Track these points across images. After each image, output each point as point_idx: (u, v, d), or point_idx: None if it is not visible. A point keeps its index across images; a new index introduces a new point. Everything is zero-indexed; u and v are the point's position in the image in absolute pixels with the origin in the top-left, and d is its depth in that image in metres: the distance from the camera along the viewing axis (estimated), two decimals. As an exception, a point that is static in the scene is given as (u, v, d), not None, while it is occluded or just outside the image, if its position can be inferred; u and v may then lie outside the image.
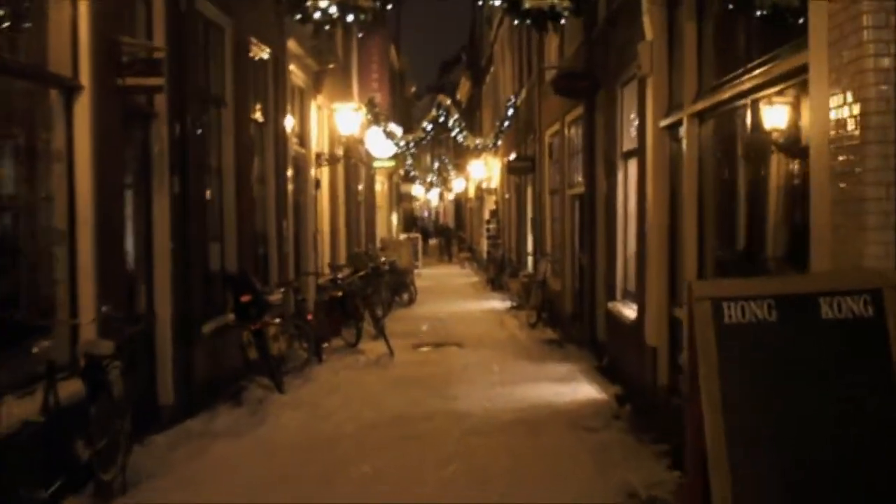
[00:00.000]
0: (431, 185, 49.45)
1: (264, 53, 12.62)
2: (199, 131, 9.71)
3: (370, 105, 21.94)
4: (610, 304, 10.89)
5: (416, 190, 49.26)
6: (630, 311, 9.87)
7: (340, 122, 16.24)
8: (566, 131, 15.05)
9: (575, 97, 12.24)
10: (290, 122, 13.77)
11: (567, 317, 14.96)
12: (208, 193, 10.26)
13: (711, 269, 7.30)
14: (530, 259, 21.28)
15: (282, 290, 12.43)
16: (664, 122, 8.40)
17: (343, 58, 20.85)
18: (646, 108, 8.89)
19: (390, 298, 18.87)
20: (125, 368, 6.48)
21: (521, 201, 22.29)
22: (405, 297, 21.03)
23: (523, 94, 21.27)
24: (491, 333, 15.53)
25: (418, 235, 36.81)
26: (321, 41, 16.11)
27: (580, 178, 14.01)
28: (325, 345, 13.20)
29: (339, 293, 13.89)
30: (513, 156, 21.64)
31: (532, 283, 17.64)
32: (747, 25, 6.43)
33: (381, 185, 30.06)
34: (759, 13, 5.20)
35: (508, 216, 25.52)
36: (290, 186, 13.81)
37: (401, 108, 41.33)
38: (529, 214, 21.16)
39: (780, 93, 5.80)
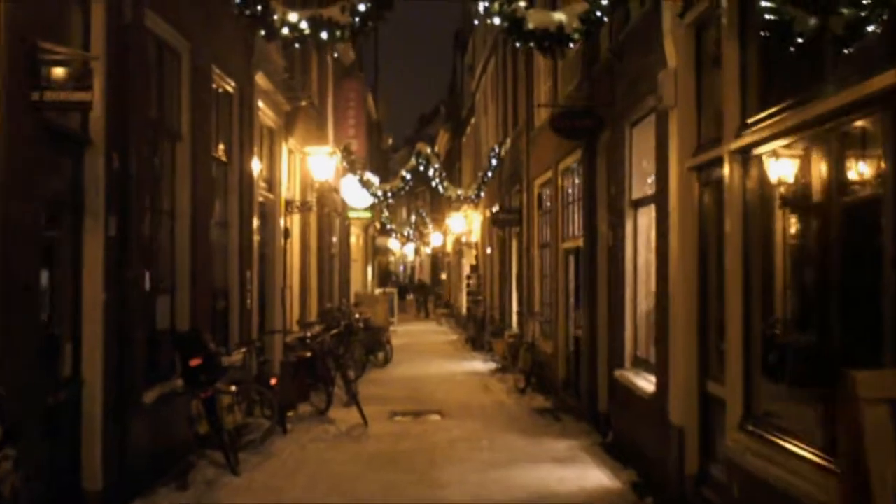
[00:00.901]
0: (408, 238, 48.10)
1: (228, 86, 11.33)
2: (147, 166, 8.34)
3: (346, 151, 20.71)
4: (617, 373, 9.52)
5: (393, 244, 47.93)
6: (645, 383, 8.50)
7: (314, 166, 14.94)
8: (559, 180, 13.82)
9: (575, 138, 11.01)
10: (257, 165, 12.45)
11: (560, 383, 13.57)
12: (156, 238, 8.87)
13: (761, 343, 5.98)
14: (515, 317, 19.93)
15: (243, 350, 10.98)
16: (692, 163, 7.15)
17: (318, 100, 19.63)
18: (668, 147, 7.64)
19: (364, 358, 17.41)
20: (22, 457, 5.00)
21: (506, 256, 21.01)
22: (381, 356, 19.56)
23: (508, 143, 20.11)
24: (476, 400, 14.08)
25: (394, 290, 35.40)
26: (293, 78, 14.86)
27: (576, 231, 12.74)
28: (291, 413, 11.71)
29: (308, 353, 12.41)
30: (496, 208, 20.40)
31: (519, 344, 16.26)
32: (817, 44, 5.20)
33: (356, 238, 28.73)
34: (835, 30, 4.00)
35: (490, 271, 24.22)
36: (255, 235, 12.43)
37: (377, 159, 40.18)
38: (514, 270, 19.86)
39: (871, 117, 4.54)
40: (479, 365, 19.63)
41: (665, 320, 7.66)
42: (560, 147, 13.41)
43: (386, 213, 39.81)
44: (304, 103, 14.19)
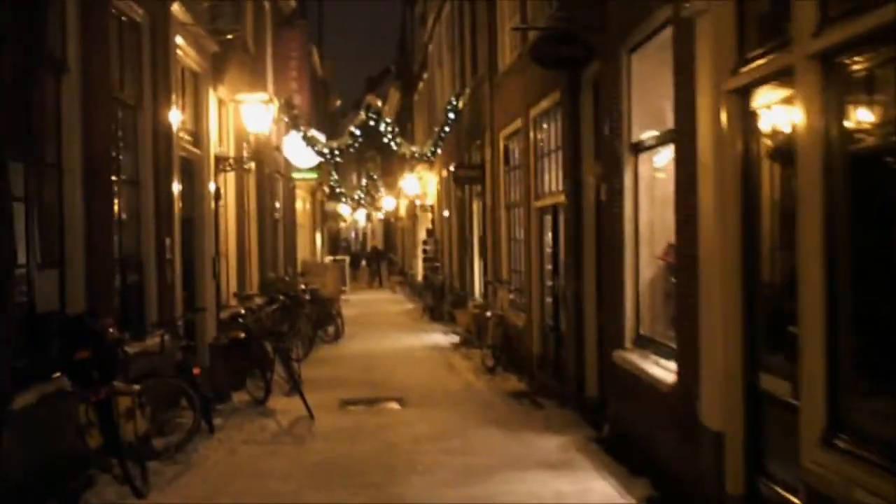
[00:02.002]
0: (359, 203, 45.95)
1: (135, 14, 9.32)
2: (10, 99, 6.36)
3: (287, 105, 18.71)
4: (616, 355, 7.80)
5: (343, 209, 45.74)
6: (658, 370, 6.79)
7: (247, 117, 12.93)
8: (531, 129, 12.01)
9: (560, 67, 9.15)
10: (177, 114, 10.46)
11: (535, 361, 11.87)
12: (35, 198, 6.91)
13: (854, 325, 4.25)
14: (478, 286, 18.20)
15: (160, 333, 9.07)
16: (734, 83, 5.37)
17: (255, 49, 17.55)
18: (693, 68, 5.86)
19: (312, 334, 15.55)
20: None
21: (466, 219, 19.20)
22: (331, 330, 17.72)
23: (467, 94, 18.24)
24: (440, 381, 12.33)
25: (345, 258, 33.49)
26: (220, 13, 12.80)
27: (554, 186, 10.98)
28: (221, 406, 9.86)
29: (242, 334, 10.52)
30: (455, 166, 18.53)
31: (485, 316, 14.54)
32: None
33: (302, 203, 26.68)
34: None
35: (449, 236, 22.41)
36: (177, 196, 10.47)
37: (324, 121, 37.96)
38: (477, 234, 18.08)
39: None
40: (440, 338, 17.89)
41: (691, 290, 5.92)
42: (531, 89, 11.60)
43: (335, 176, 37.80)
44: (230, 36, 12.14)
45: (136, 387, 7.02)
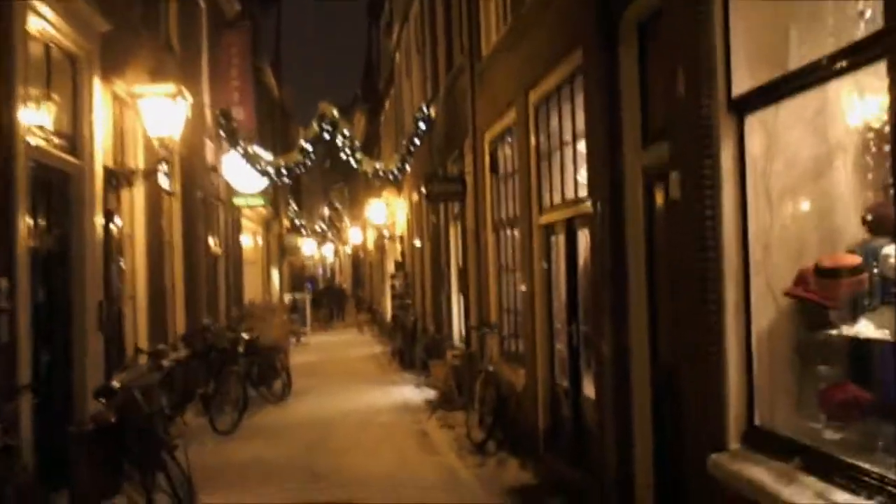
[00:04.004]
0: (324, 237, 42.49)
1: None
2: None
3: (224, 117, 15.45)
4: (712, 460, 4.54)
5: (308, 244, 42.15)
6: (804, 497, 3.56)
7: (147, 115, 9.59)
8: (531, 121, 8.85)
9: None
10: (33, 109, 7.22)
11: (541, 436, 8.63)
12: None
13: None
14: (457, 327, 14.97)
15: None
16: None
17: (182, 46, 14.31)
18: None
19: (244, 395, 12.07)
20: None
21: (442, 247, 15.99)
22: (278, 385, 14.38)
23: (441, 96, 15.13)
24: (412, 469, 8.99)
25: (305, 296, 30.12)
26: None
27: (570, 193, 7.79)
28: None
29: (113, 418, 7.08)
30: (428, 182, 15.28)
31: (469, 368, 11.31)
32: None
33: (252, 236, 23.28)
34: None
35: (422, 269, 19.16)
36: (21, 219, 7.15)
37: (283, 149, 34.78)
38: (455, 264, 14.87)
39: None
40: (412, 393, 14.62)
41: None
42: (532, 63, 8.47)
43: (294, 207, 34.53)
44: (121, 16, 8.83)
45: None
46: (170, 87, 9.68)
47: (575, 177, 7.50)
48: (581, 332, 7.51)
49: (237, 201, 18.07)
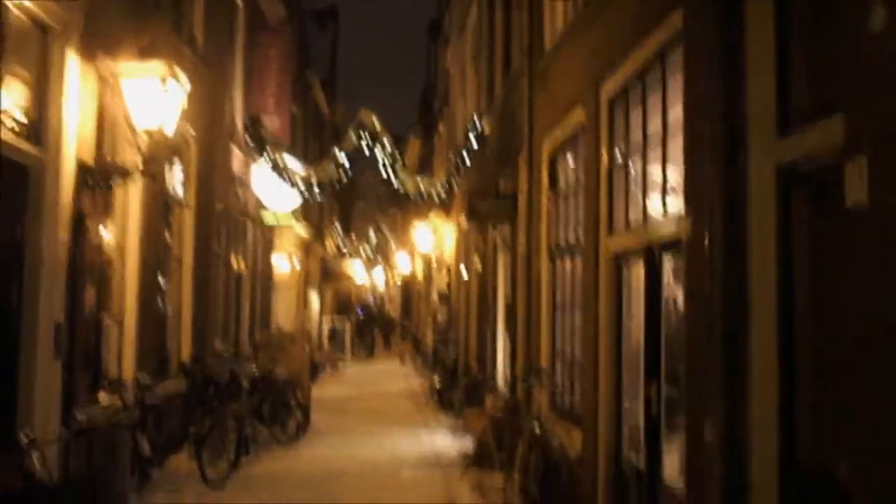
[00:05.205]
0: (374, 261, 40.75)
1: None
2: None
3: (253, 124, 13.80)
4: None
5: (356, 268, 40.26)
6: None
7: (131, 99, 7.87)
8: (604, 119, 6.98)
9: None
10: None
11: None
12: None
13: None
14: (501, 370, 13.08)
15: None
16: None
17: (205, 40, 12.73)
18: None
19: (239, 438, 10.19)
20: None
21: (489, 278, 14.10)
22: (292, 425, 12.56)
23: (497, 104, 13.34)
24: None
25: (345, 323, 28.45)
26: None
27: (654, 211, 5.88)
28: None
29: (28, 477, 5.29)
30: (471, 198, 13.38)
31: (512, 424, 9.40)
32: None
33: (288, 257, 21.58)
34: None
35: (467, 301, 17.27)
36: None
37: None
38: (503, 299, 12.98)
39: None
40: (445, 441, 12.72)
41: None
42: (609, 46, 6.61)
43: (340, 231, 32.98)
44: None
45: None
46: (157, 64, 7.97)
47: (663, 188, 5.59)
48: (664, 396, 5.56)
49: (264, 219, 16.40)
